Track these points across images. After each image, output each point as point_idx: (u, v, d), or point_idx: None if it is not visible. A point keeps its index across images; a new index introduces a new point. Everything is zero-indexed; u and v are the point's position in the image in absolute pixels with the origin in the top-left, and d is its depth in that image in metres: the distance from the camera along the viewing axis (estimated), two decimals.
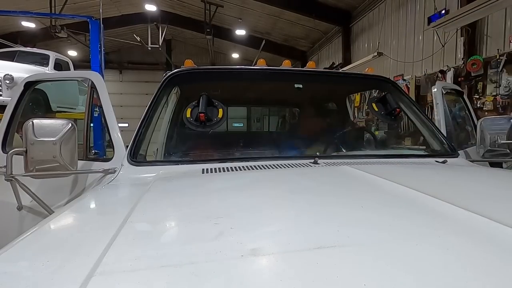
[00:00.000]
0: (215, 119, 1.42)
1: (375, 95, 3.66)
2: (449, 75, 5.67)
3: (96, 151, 2.22)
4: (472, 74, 5.28)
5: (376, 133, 4.99)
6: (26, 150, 1.17)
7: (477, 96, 5.22)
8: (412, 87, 6.61)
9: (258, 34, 11.79)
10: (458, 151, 1.59)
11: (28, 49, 7.80)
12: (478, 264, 0.45)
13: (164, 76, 1.63)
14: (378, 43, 7.95)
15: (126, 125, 6.63)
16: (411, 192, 0.78)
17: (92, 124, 1.88)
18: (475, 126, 1.93)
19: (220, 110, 1.43)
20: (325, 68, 2.44)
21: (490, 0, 4.27)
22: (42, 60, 7.14)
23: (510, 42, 4.75)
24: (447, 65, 5.84)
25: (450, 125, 2.22)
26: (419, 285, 0.40)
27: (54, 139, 1.18)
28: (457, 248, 0.50)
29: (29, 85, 1.96)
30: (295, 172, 1.13)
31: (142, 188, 0.94)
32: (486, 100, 5.07)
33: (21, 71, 5.91)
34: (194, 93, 1.41)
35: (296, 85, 1.86)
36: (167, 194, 0.88)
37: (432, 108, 3.54)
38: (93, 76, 1.64)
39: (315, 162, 1.25)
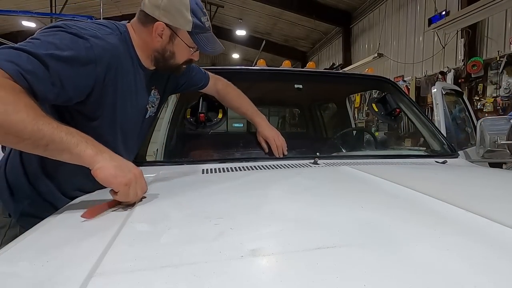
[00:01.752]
0: (215, 119, 1.42)
1: (375, 96, 3.66)
2: (449, 77, 5.67)
3: None
4: (473, 76, 5.28)
5: (376, 134, 4.99)
6: None
7: (477, 98, 5.23)
8: (412, 88, 6.62)
9: (258, 34, 11.79)
10: (458, 152, 1.59)
11: None
12: (478, 265, 0.45)
13: None
14: (379, 44, 7.96)
15: None
16: (411, 193, 0.78)
17: None
18: (475, 127, 1.93)
19: (220, 111, 1.43)
20: (325, 69, 2.44)
21: (491, 2, 4.27)
22: None
23: (510, 43, 4.76)
24: (447, 67, 5.85)
25: (450, 125, 2.22)
26: (419, 286, 0.40)
27: None
28: (457, 249, 0.50)
29: None
30: (295, 173, 1.13)
31: None
32: (487, 102, 5.07)
33: None
34: (194, 93, 1.41)
35: (296, 86, 1.86)
36: (167, 195, 0.88)
37: (432, 109, 3.55)
38: None
39: (315, 163, 1.25)
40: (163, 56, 1.00)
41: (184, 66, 1.08)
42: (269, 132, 1.33)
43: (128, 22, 1.00)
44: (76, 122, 0.86)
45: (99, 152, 0.74)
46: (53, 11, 8.47)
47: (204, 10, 1.01)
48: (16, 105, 0.66)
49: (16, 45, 0.73)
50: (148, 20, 0.95)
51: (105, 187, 0.76)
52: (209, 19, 1.04)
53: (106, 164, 0.73)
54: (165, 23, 0.95)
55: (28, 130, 0.67)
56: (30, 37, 0.77)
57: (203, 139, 1.56)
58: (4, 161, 0.98)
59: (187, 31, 0.98)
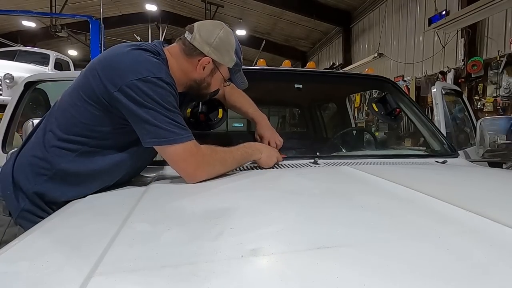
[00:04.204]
0: (215, 119, 1.42)
1: (375, 95, 3.66)
2: (450, 76, 5.67)
3: None
4: (473, 76, 5.28)
5: (376, 133, 5.00)
6: None
7: (478, 98, 5.23)
8: (412, 88, 6.62)
9: (258, 34, 11.79)
10: (458, 151, 1.59)
11: (29, 48, 7.80)
12: (478, 265, 0.45)
13: None
14: (379, 44, 7.96)
15: None
16: (411, 192, 0.78)
17: None
18: (475, 127, 1.93)
19: (220, 110, 1.42)
20: (325, 69, 2.44)
21: (491, 1, 4.27)
22: (42, 60, 7.15)
23: (510, 43, 4.75)
24: (447, 66, 5.84)
25: (450, 125, 2.22)
26: (419, 285, 0.40)
27: None
28: (457, 248, 0.50)
29: (29, 85, 1.97)
30: (295, 172, 1.13)
31: (142, 188, 0.94)
32: (487, 102, 5.07)
33: (21, 70, 5.92)
34: None
35: (296, 85, 1.86)
36: (167, 194, 0.88)
37: (432, 109, 3.55)
38: None
39: (315, 162, 1.25)
40: (199, 86, 1.09)
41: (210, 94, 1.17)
42: (266, 131, 1.33)
43: (165, 47, 1.06)
44: (123, 129, 0.95)
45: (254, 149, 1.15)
46: (53, 11, 8.46)
47: (241, 50, 1.12)
48: (224, 162, 1.03)
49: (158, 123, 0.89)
50: (195, 53, 1.02)
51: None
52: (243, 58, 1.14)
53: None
54: (212, 59, 1.03)
55: (231, 168, 1.07)
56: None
57: (203, 139, 1.56)
58: (14, 157, 0.99)
59: (228, 67, 1.09)
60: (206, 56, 1.02)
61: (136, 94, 0.87)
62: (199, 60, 1.02)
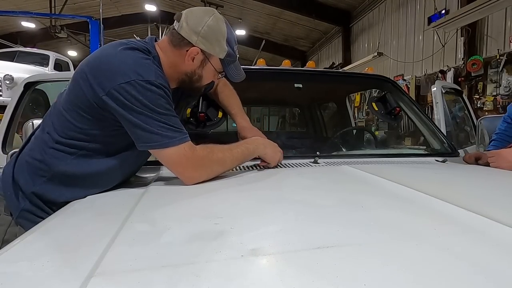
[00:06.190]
0: (215, 119, 1.42)
1: (375, 95, 3.66)
2: (449, 75, 5.67)
3: None
4: (472, 74, 5.28)
5: (376, 133, 4.99)
6: None
7: (477, 96, 5.23)
8: (412, 87, 6.62)
9: (258, 34, 11.79)
10: (458, 150, 1.59)
11: (28, 49, 7.81)
12: (478, 264, 0.45)
13: None
14: (378, 43, 7.96)
15: None
16: (411, 192, 0.78)
17: None
18: (475, 125, 1.93)
19: (220, 111, 1.42)
20: (325, 68, 2.44)
21: (490, 0, 4.27)
22: (42, 60, 7.15)
23: (510, 42, 4.75)
24: (447, 65, 5.85)
25: (450, 124, 2.22)
26: (419, 285, 0.40)
27: None
28: (457, 248, 0.50)
29: (29, 85, 1.97)
30: (295, 172, 1.13)
31: (142, 188, 0.94)
32: (486, 100, 5.07)
33: (21, 71, 5.92)
34: None
35: (296, 85, 1.86)
36: (167, 194, 0.88)
37: (432, 108, 3.55)
38: None
39: (315, 162, 1.25)
40: (191, 79, 1.04)
41: (204, 87, 1.12)
42: (249, 135, 1.28)
43: (156, 42, 1.02)
44: (118, 131, 0.93)
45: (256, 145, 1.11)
46: (53, 12, 8.47)
47: (236, 39, 1.05)
48: (223, 162, 1.00)
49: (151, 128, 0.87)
50: (183, 43, 0.97)
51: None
52: (238, 48, 1.07)
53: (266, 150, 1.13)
54: (200, 49, 0.97)
55: (232, 167, 1.05)
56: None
57: (203, 139, 1.56)
58: (15, 157, 0.99)
59: (219, 58, 1.02)
60: (194, 46, 0.96)
61: (124, 98, 0.84)
62: (187, 51, 0.97)
